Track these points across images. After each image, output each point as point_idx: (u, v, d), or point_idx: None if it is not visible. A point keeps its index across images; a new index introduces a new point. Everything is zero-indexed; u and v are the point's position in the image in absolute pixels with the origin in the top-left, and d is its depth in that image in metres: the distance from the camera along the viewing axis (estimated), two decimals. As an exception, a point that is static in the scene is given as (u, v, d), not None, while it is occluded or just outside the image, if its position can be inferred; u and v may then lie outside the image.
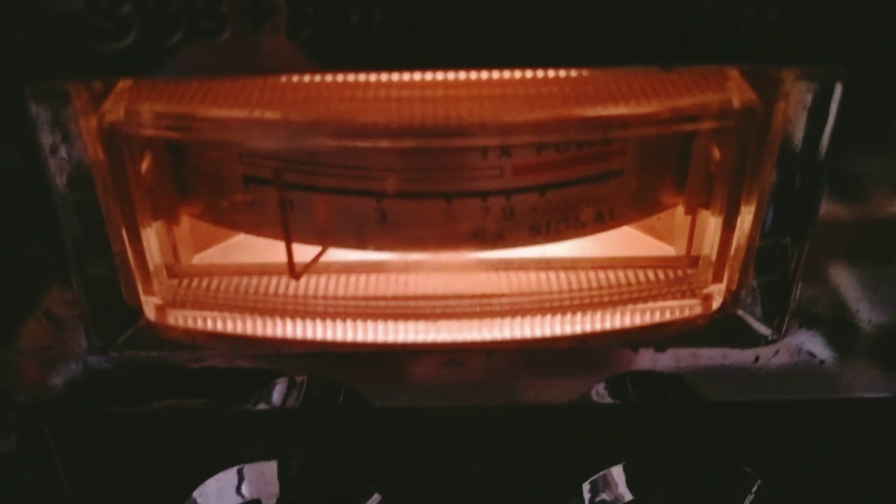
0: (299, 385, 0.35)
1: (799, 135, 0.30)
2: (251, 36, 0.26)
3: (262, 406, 0.36)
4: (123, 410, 0.36)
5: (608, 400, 0.35)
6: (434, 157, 0.31)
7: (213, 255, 0.39)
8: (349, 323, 0.33)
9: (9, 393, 0.35)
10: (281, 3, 0.25)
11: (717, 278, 0.34)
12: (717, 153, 0.33)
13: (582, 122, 0.29)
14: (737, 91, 0.30)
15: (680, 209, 0.36)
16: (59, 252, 0.31)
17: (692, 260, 0.35)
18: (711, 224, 0.34)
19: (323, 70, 0.27)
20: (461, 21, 0.26)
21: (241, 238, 0.39)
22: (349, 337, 0.33)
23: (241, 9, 0.26)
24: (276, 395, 0.35)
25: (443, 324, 0.33)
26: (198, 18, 0.26)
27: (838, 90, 0.28)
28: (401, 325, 0.33)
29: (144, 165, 0.33)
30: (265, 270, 0.36)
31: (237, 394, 0.35)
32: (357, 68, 0.27)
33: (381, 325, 0.33)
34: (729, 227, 0.34)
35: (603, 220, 0.34)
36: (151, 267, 0.34)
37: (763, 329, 0.33)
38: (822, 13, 0.26)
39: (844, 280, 0.32)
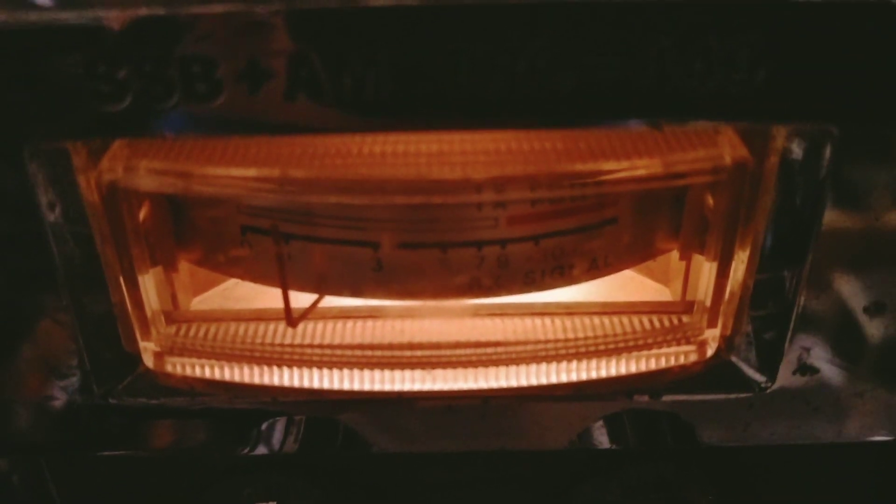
0: (297, 429, 0.35)
1: (791, 189, 0.30)
2: (247, 99, 0.26)
3: (260, 450, 0.36)
4: (123, 454, 0.36)
5: (603, 445, 0.35)
6: (429, 209, 0.31)
7: (213, 298, 0.40)
8: (345, 372, 0.34)
9: (10, 438, 0.36)
10: (276, 68, 0.26)
11: (712, 324, 0.34)
12: (710, 201, 0.33)
13: (575, 178, 0.29)
14: (729, 147, 0.30)
15: (675, 253, 0.36)
16: (58, 301, 0.32)
17: (687, 305, 0.35)
18: (706, 269, 0.35)
19: (318, 132, 0.27)
20: (454, 84, 0.26)
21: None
22: (345, 385, 0.34)
23: (236, 74, 0.26)
24: (274, 440, 0.35)
25: (439, 372, 0.33)
26: (193, 82, 0.26)
27: (829, 146, 0.28)
28: (397, 373, 0.34)
29: (142, 214, 0.33)
30: (262, 317, 0.36)
31: (235, 438, 0.36)
32: (351, 130, 0.27)
33: (377, 373, 0.34)
34: (723, 272, 0.34)
35: (597, 268, 0.34)
36: (149, 314, 0.34)
37: (757, 376, 0.33)
38: (810, 74, 0.26)
39: (839, 328, 0.32)
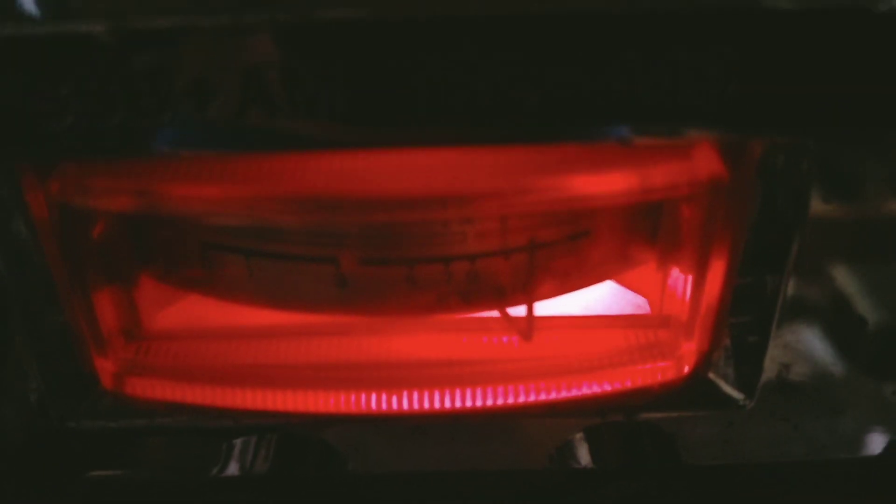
0: (263, 452, 0.34)
1: (769, 201, 0.29)
2: (195, 116, 0.25)
3: (228, 472, 0.35)
4: (82, 479, 0.35)
5: (581, 463, 0.34)
6: (392, 226, 0.30)
7: (183, 309, 0.38)
8: (309, 393, 0.32)
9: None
10: (226, 84, 0.24)
11: (689, 338, 0.33)
12: (686, 211, 0.32)
13: (544, 195, 0.28)
14: (704, 162, 0.29)
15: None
16: (11, 321, 0.30)
17: (663, 319, 0.34)
18: (682, 281, 0.33)
19: (271, 149, 0.26)
20: (413, 99, 0.25)
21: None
22: (310, 407, 0.32)
23: (184, 90, 0.24)
24: (242, 462, 0.34)
25: (405, 392, 0.32)
26: (138, 99, 0.25)
27: (806, 158, 0.27)
28: (363, 394, 0.32)
29: (97, 231, 0.32)
30: (227, 334, 0.35)
31: (201, 461, 0.35)
32: (304, 147, 0.26)
33: (342, 395, 0.32)
34: (700, 284, 0.33)
35: (570, 281, 0.33)
36: (106, 332, 0.33)
37: (736, 394, 0.32)
38: (785, 86, 0.25)
39: (819, 344, 0.31)
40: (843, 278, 0.30)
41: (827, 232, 0.29)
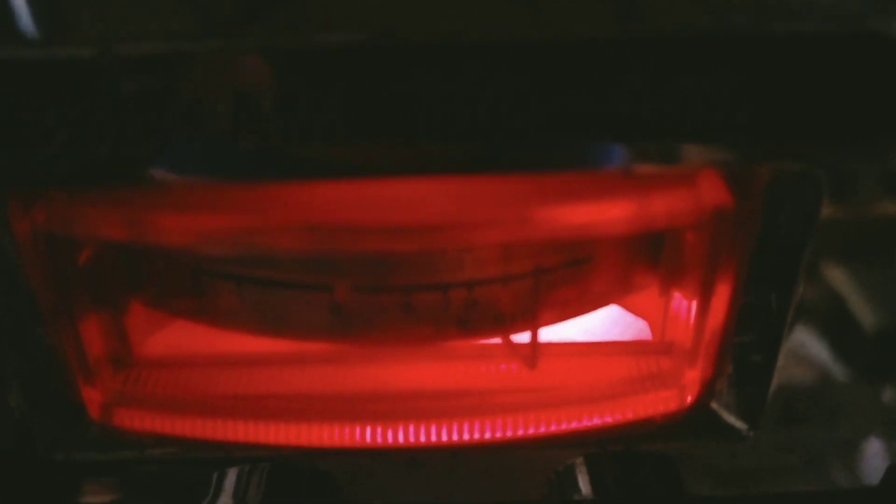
0: (255, 482, 0.33)
1: (775, 229, 0.28)
2: (185, 144, 0.24)
3: (219, 504, 0.34)
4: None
5: (581, 494, 0.33)
6: (390, 254, 0.29)
7: (170, 336, 0.37)
8: (302, 425, 0.31)
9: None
10: (216, 110, 0.24)
11: (692, 367, 0.32)
12: (690, 237, 0.31)
13: (545, 224, 0.27)
14: (709, 191, 0.28)
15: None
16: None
17: (666, 345, 0.34)
18: (685, 307, 0.33)
19: (263, 179, 0.25)
20: (411, 127, 0.24)
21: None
22: (302, 440, 0.32)
23: (173, 117, 0.24)
24: (235, 494, 0.33)
25: (402, 425, 0.31)
26: (127, 126, 0.24)
27: (814, 185, 0.26)
28: (357, 427, 0.32)
29: (84, 258, 0.31)
30: (218, 362, 0.34)
31: (193, 492, 0.34)
32: (296, 178, 0.25)
33: (337, 427, 0.32)
34: (703, 311, 0.32)
35: (571, 308, 0.32)
36: (93, 361, 0.32)
37: (739, 423, 0.32)
38: (794, 113, 0.24)
39: (824, 372, 0.31)
40: (848, 310, 0.29)
41: (832, 251, 0.28)
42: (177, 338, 0.36)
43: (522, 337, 0.34)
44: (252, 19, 0.23)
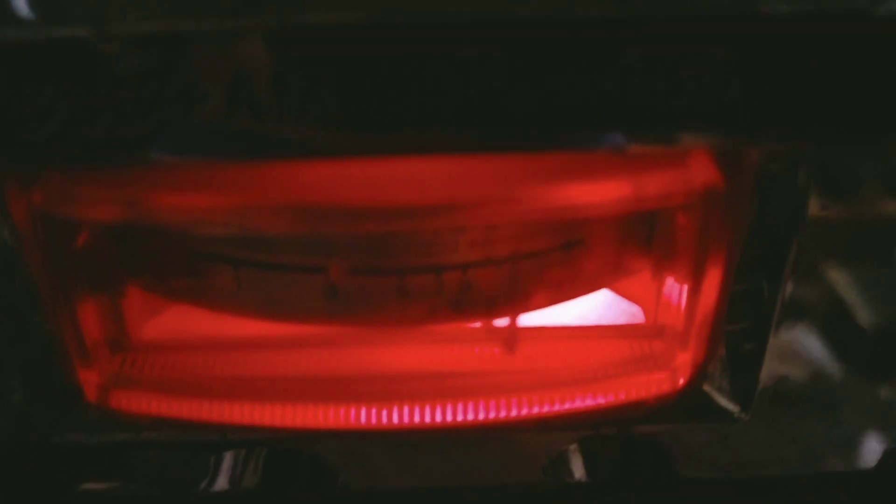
0: (253, 465, 0.34)
1: (766, 209, 0.28)
2: (182, 123, 0.24)
3: (217, 487, 0.34)
4: (68, 494, 0.34)
5: (575, 476, 0.34)
6: (385, 235, 0.29)
7: (167, 320, 0.38)
8: (298, 406, 0.32)
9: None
10: (211, 90, 0.24)
11: (684, 349, 0.33)
12: (681, 219, 0.32)
13: (537, 204, 0.27)
14: (700, 171, 0.28)
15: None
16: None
17: (658, 328, 0.34)
18: (677, 290, 0.33)
19: (258, 158, 0.25)
20: (404, 106, 0.24)
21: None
22: (298, 421, 0.32)
23: (170, 96, 0.24)
24: (228, 477, 0.34)
25: (397, 406, 0.32)
26: (124, 105, 0.24)
27: (804, 166, 0.27)
28: (353, 408, 0.32)
29: (81, 240, 0.31)
30: (214, 345, 0.34)
31: (190, 475, 0.34)
32: (293, 154, 0.25)
33: (331, 409, 0.32)
34: (695, 293, 0.32)
35: (564, 291, 0.33)
36: (90, 344, 0.32)
37: (731, 406, 0.32)
38: (784, 91, 0.24)
39: (816, 356, 0.31)
40: (840, 290, 0.30)
41: (824, 241, 0.28)
42: (173, 321, 0.36)
43: (517, 319, 0.34)
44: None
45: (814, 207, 0.28)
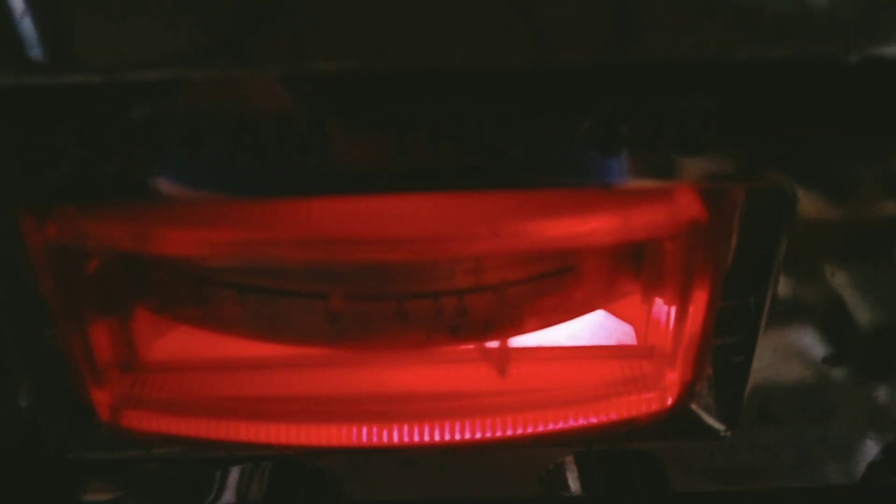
0: (259, 481, 0.35)
1: (749, 239, 0.29)
2: (189, 163, 0.26)
3: (222, 502, 0.35)
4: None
5: (569, 490, 0.35)
6: (384, 264, 0.30)
7: (175, 340, 0.39)
8: (302, 425, 0.33)
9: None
10: (217, 131, 0.25)
11: (672, 368, 0.34)
12: (669, 247, 0.33)
13: (529, 237, 0.29)
14: (685, 205, 0.29)
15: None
16: (7, 355, 0.31)
17: (648, 349, 0.35)
18: (665, 312, 0.34)
19: (263, 196, 0.27)
20: (400, 149, 0.25)
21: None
22: (302, 439, 0.33)
23: (177, 138, 0.25)
24: (234, 492, 0.35)
25: (395, 426, 0.33)
26: (134, 148, 0.25)
27: (784, 201, 0.28)
28: (353, 427, 0.33)
29: (92, 265, 0.33)
30: (222, 366, 0.35)
31: (197, 491, 0.35)
32: (296, 194, 0.27)
33: (335, 427, 0.33)
34: (682, 316, 0.33)
35: (557, 314, 0.34)
36: (102, 365, 0.34)
37: (717, 424, 0.33)
38: (761, 134, 0.26)
39: (799, 376, 0.32)
40: (819, 319, 0.31)
41: (805, 270, 0.29)
42: (181, 342, 0.37)
43: (512, 342, 0.35)
44: (247, 41, 0.24)
45: (808, 212, 0.28)
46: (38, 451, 0.34)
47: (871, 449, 0.35)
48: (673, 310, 0.33)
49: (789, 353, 0.31)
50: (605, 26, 0.24)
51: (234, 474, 0.35)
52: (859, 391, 0.33)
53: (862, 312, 0.31)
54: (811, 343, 0.31)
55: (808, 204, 0.28)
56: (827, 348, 0.31)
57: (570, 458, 0.36)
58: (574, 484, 0.36)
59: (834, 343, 0.31)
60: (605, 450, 0.35)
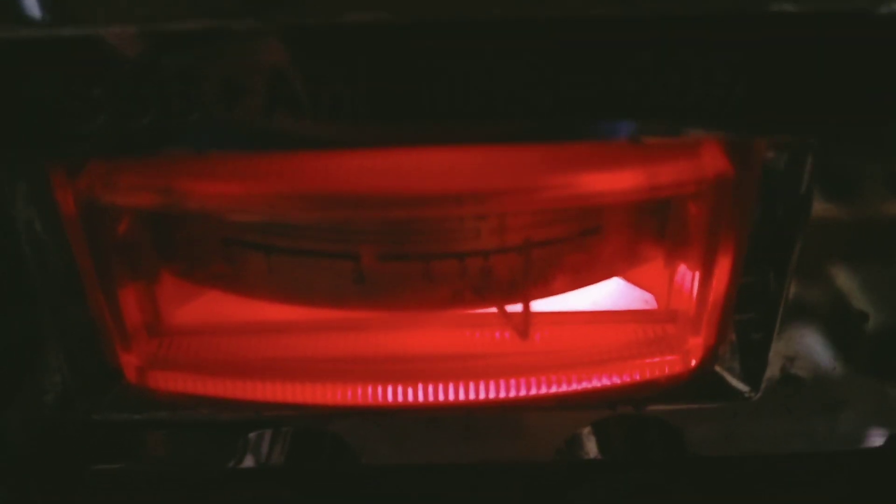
0: (283, 442, 0.35)
1: (774, 198, 0.30)
2: (223, 116, 0.26)
3: (246, 463, 0.36)
4: (107, 470, 0.36)
5: (590, 455, 0.35)
6: (410, 222, 0.31)
7: (201, 305, 0.39)
8: (328, 385, 0.33)
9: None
10: (253, 84, 0.25)
11: (696, 333, 0.34)
12: (693, 209, 0.33)
13: (556, 192, 0.29)
14: (711, 159, 0.30)
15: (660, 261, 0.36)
16: (38, 316, 0.31)
17: (671, 314, 0.35)
18: (689, 277, 0.34)
19: (296, 147, 0.27)
20: (432, 100, 0.26)
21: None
22: (328, 399, 0.34)
23: (211, 91, 0.25)
24: (261, 453, 0.35)
25: (421, 385, 0.33)
26: (169, 100, 0.26)
27: (810, 156, 0.28)
28: (380, 387, 0.33)
29: (122, 227, 0.33)
30: (245, 329, 0.36)
31: (221, 451, 0.36)
32: (329, 145, 0.27)
33: (360, 387, 0.33)
34: (706, 280, 0.34)
35: (581, 277, 0.34)
36: (130, 327, 0.34)
37: (741, 386, 0.33)
38: (788, 87, 0.26)
39: (823, 337, 0.32)
40: (845, 276, 0.31)
41: (828, 231, 0.30)
42: (207, 306, 0.38)
43: (538, 304, 0.35)
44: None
45: (818, 199, 0.29)
46: (66, 412, 0.34)
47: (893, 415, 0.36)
48: (696, 274, 0.34)
49: (815, 312, 0.32)
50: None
51: (256, 438, 0.35)
52: (882, 362, 0.33)
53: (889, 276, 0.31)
54: (837, 302, 0.31)
55: (833, 162, 0.28)
56: (853, 307, 0.31)
57: (588, 429, 0.36)
58: (593, 450, 0.36)
59: (860, 301, 0.31)
60: (624, 418, 0.35)
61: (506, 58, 0.25)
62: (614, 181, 0.29)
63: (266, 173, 0.29)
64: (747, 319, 0.33)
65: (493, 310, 0.34)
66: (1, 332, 0.32)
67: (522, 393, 0.33)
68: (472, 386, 0.33)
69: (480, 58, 0.25)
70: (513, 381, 0.33)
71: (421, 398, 0.33)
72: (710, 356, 0.34)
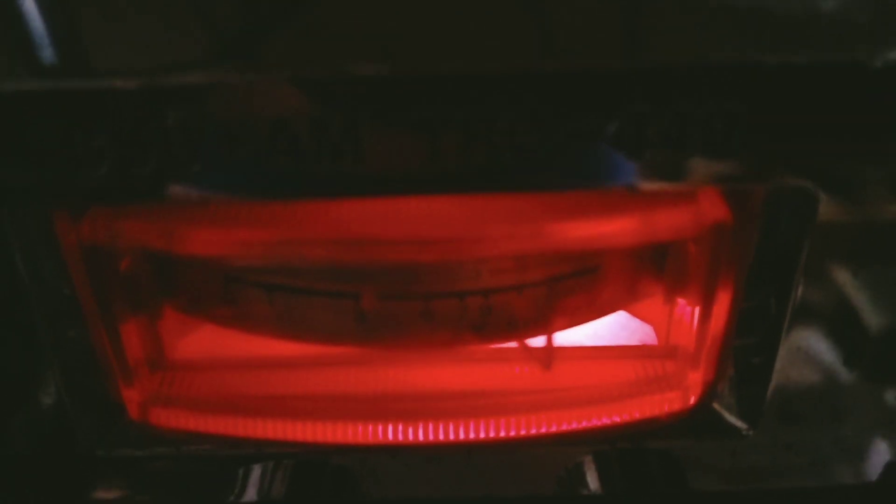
0: (283, 478, 0.36)
1: (772, 240, 0.30)
2: (224, 164, 0.26)
3: (246, 498, 0.36)
4: (108, 501, 0.36)
5: (591, 489, 0.35)
6: (413, 264, 0.31)
7: (202, 339, 0.39)
8: (328, 424, 0.34)
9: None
10: (252, 134, 0.26)
11: (695, 367, 0.34)
12: (692, 249, 0.33)
13: (555, 238, 0.29)
14: (709, 207, 0.30)
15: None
16: (40, 352, 0.31)
17: (670, 349, 0.35)
18: (688, 313, 0.35)
19: (296, 198, 0.27)
20: (433, 151, 0.26)
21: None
22: (328, 437, 0.34)
23: (213, 140, 0.26)
24: (261, 489, 0.35)
25: (421, 424, 0.33)
26: (170, 150, 0.26)
27: (808, 202, 0.28)
28: (380, 425, 0.34)
29: (124, 264, 0.33)
30: (248, 364, 0.36)
31: (221, 487, 0.36)
32: (328, 195, 0.27)
33: (360, 426, 0.34)
34: (706, 316, 0.34)
35: (581, 314, 0.34)
36: (132, 363, 0.34)
37: (739, 423, 0.33)
38: (786, 137, 0.26)
39: (820, 377, 0.32)
40: (845, 316, 0.31)
41: (830, 265, 0.30)
42: (209, 341, 0.38)
43: (537, 341, 0.36)
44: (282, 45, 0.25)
45: (822, 232, 0.29)
46: (68, 448, 0.34)
47: (891, 446, 0.36)
48: (696, 310, 0.34)
49: (812, 352, 0.32)
50: (635, 30, 0.25)
51: (258, 471, 0.36)
52: (879, 391, 0.34)
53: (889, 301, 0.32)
54: (833, 342, 0.31)
55: (831, 206, 0.28)
56: (848, 348, 0.32)
57: (589, 459, 0.36)
58: (594, 483, 0.36)
59: (855, 343, 0.31)
60: (625, 449, 0.35)
61: (505, 108, 0.25)
62: (611, 227, 0.29)
63: (269, 218, 0.30)
64: (746, 356, 0.33)
65: (494, 347, 0.35)
66: (2, 367, 0.32)
67: (522, 432, 0.33)
68: (471, 424, 0.33)
69: (480, 108, 0.25)
70: (512, 420, 0.33)
71: (422, 437, 0.34)
72: (709, 393, 0.34)
